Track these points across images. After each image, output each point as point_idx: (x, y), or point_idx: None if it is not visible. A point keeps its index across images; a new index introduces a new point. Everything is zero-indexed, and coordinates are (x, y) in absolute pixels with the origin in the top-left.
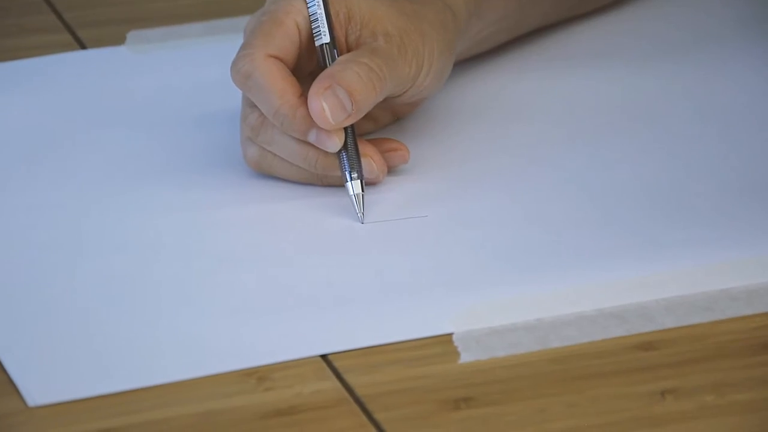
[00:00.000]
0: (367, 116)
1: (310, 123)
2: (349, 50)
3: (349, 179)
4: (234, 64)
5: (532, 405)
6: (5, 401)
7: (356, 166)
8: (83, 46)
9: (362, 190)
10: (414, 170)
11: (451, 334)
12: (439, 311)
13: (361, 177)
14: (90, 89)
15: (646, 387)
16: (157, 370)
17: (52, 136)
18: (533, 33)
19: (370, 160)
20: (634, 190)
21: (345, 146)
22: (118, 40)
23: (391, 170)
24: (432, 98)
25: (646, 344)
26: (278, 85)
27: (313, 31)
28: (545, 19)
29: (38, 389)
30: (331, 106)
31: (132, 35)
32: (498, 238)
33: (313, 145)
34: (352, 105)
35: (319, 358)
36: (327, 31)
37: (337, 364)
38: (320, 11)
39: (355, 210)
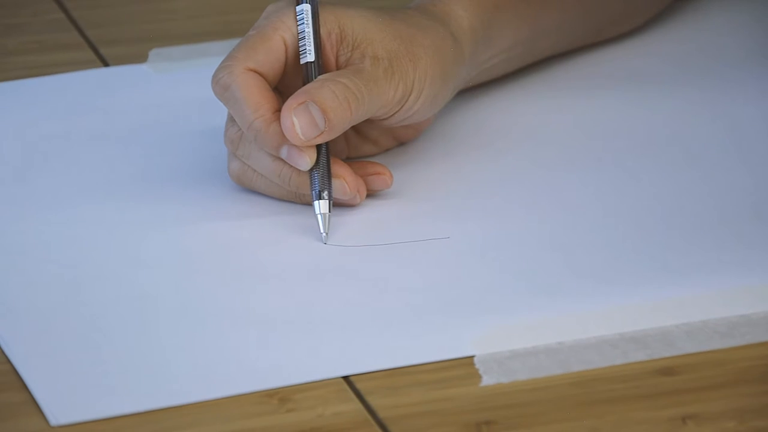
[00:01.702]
0: (367, 139)
1: (283, 138)
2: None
3: (316, 198)
4: (214, 75)
5: (554, 429)
6: (28, 420)
7: (326, 185)
8: (106, 64)
9: (329, 210)
10: (426, 192)
11: (472, 357)
12: (461, 334)
13: (329, 197)
14: (111, 106)
15: (668, 412)
16: (179, 390)
17: (74, 153)
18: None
19: (343, 181)
20: (655, 214)
21: (317, 165)
22: (140, 58)
23: (373, 194)
24: (440, 123)
25: (667, 369)
26: (254, 98)
27: (300, 49)
28: (557, 48)
29: (61, 408)
30: (302, 122)
31: (154, 53)
32: (518, 261)
33: (287, 162)
34: (325, 123)
35: (341, 380)
36: (313, 50)
37: (359, 385)
38: (308, 30)
39: (320, 230)
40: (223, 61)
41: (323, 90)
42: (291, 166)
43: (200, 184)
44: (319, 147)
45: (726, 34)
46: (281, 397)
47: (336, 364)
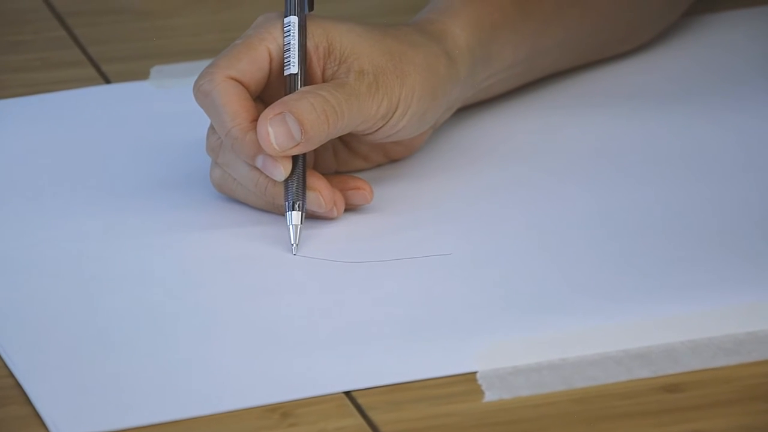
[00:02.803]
0: (357, 154)
1: (259, 148)
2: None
3: (288, 209)
4: (196, 81)
5: None
6: None
7: (300, 197)
8: (107, 81)
9: (301, 222)
10: (408, 207)
11: (475, 373)
12: (464, 349)
13: (302, 209)
14: (114, 123)
15: (673, 429)
16: (182, 404)
17: (76, 169)
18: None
19: (318, 194)
20: (660, 229)
21: (292, 176)
22: (142, 75)
23: (353, 209)
24: (436, 140)
25: (672, 386)
26: (232, 106)
27: (284, 61)
28: (559, 66)
29: (64, 422)
30: (276, 132)
31: (155, 70)
32: (523, 276)
33: (263, 172)
34: (302, 135)
35: (343, 395)
36: (297, 62)
37: (360, 400)
38: (294, 42)
39: (290, 240)
40: (205, 69)
41: (302, 102)
42: (267, 175)
43: (204, 195)
44: (295, 158)
45: (729, 50)
46: (283, 411)
47: (338, 379)
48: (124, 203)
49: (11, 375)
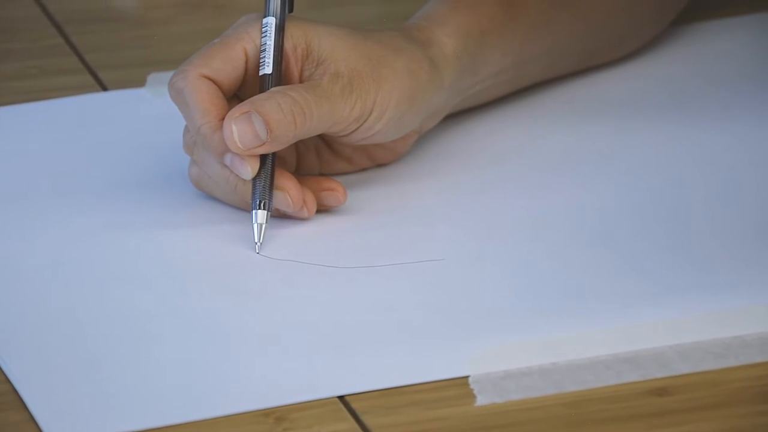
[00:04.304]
0: (341, 156)
1: (227, 146)
2: None
3: (254, 208)
4: (170, 78)
5: None
6: None
7: (266, 196)
8: (104, 88)
9: (266, 221)
10: (385, 210)
11: (467, 377)
12: (456, 353)
13: (269, 208)
14: (110, 130)
15: None
16: (176, 409)
17: (72, 176)
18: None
19: (286, 194)
20: (648, 234)
21: (260, 175)
22: (139, 82)
23: (326, 210)
24: (424, 145)
25: (661, 390)
26: (203, 104)
27: (259, 61)
28: (547, 73)
29: (60, 427)
30: (241, 131)
31: (152, 78)
32: (513, 280)
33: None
34: (268, 134)
35: (337, 399)
36: (271, 62)
37: (354, 405)
38: (270, 43)
39: (254, 239)
40: (180, 66)
41: (269, 101)
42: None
43: (189, 194)
44: (264, 157)
45: (719, 57)
46: (277, 416)
47: (332, 383)
48: (120, 208)
49: (7, 381)
